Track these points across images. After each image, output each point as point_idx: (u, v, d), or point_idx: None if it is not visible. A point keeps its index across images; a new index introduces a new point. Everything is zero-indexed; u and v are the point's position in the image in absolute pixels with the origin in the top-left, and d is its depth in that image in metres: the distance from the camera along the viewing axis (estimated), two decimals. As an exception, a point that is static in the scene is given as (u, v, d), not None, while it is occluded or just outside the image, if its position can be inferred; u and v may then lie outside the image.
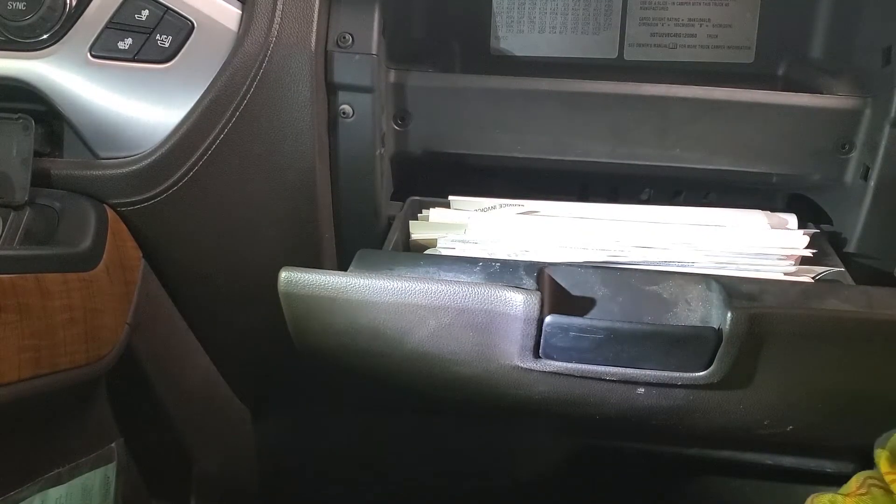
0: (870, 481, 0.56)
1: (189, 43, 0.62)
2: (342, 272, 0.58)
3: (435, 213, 0.71)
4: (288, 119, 0.63)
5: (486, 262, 0.61)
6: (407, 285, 0.56)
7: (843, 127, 0.67)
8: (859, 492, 0.56)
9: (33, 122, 0.62)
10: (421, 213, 0.72)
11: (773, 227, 0.69)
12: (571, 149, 0.70)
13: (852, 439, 0.75)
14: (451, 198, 0.73)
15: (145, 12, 0.61)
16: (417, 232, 0.70)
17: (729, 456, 0.90)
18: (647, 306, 0.58)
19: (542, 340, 0.56)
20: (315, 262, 0.65)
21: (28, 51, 0.62)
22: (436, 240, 0.68)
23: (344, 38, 0.64)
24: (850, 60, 0.71)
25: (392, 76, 0.69)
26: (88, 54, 0.62)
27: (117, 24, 0.61)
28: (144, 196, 0.63)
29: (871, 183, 0.65)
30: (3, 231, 0.59)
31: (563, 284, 0.59)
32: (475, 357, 0.59)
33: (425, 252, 0.68)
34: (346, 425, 0.96)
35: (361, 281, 0.57)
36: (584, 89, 0.69)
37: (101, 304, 0.60)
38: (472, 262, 0.61)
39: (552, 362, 0.57)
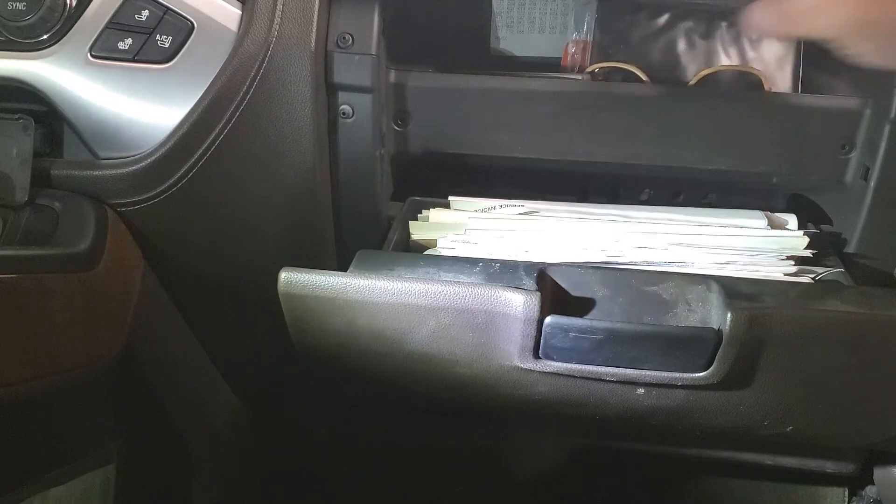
0: None
1: (189, 43, 0.62)
2: (342, 272, 0.58)
3: (435, 213, 0.71)
4: (288, 119, 0.63)
5: (486, 262, 0.61)
6: (407, 286, 0.56)
7: (843, 127, 0.67)
8: None
9: (33, 122, 0.62)
10: (421, 213, 0.72)
11: (773, 228, 0.69)
12: (571, 149, 0.70)
13: (852, 439, 0.75)
14: (451, 198, 0.73)
15: (145, 12, 0.61)
16: (417, 232, 0.70)
17: (729, 456, 0.90)
18: (647, 307, 0.58)
19: (541, 341, 0.56)
20: (315, 263, 0.65)
21: (28, 51, 0.61)
22: (436, 240, 0.68)
23: (344, 38, 0.64)
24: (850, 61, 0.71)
25: (392, 76, 0.69)
26: (88, 54, 0.62)
27: (117, 25, 0.61)
28: (144, 196, 0.63)
29: (871, 183, 0.66)
30: (3, 231, 0.59)
31: (562, 285, 0.59)
32: (475, 358, 0.59)
33: (425, 252, 0.68)
34: (346, 426, 0.96)
35: (361, 281, 0.57)
36: (584, 89, 0.69)
37: (101, 304, 0.60)
38: (472, 262, 0.61)
39: (552, 363, 0.57)
